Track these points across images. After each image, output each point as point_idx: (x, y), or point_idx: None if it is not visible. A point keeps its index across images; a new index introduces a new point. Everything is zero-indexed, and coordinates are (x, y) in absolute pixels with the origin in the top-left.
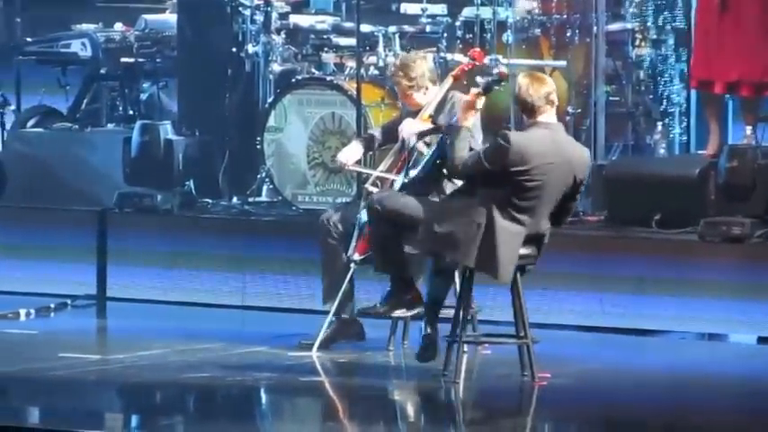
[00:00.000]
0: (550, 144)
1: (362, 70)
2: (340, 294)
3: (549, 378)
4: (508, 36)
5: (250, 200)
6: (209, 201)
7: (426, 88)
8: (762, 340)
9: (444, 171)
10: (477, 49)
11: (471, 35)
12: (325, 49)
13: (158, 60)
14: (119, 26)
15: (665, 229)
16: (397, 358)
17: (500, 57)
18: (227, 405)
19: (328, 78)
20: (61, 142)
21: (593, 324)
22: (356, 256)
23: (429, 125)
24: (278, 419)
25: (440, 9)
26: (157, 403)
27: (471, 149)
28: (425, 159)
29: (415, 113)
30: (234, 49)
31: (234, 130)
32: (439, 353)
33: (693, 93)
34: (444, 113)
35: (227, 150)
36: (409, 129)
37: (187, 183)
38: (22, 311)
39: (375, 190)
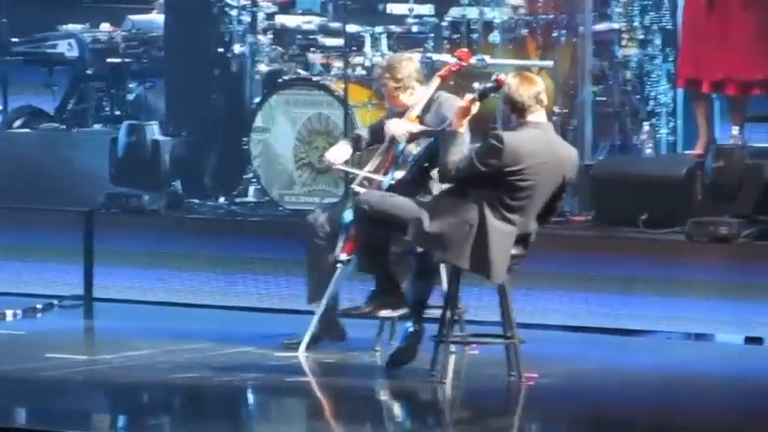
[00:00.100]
0: (542, 144)
1: (349, 70)
2: (327, 294)
3: (537, 378)
4: (495, 36)
5: (237, 200)
6: (196, 201)
7: (413, 89)
8: (749, 340)
9: (432, 174)
10: (464, 50)
11: (458, 35)
12: (312, 49)
13: (145, 61)
14: (105, 26)
15: (653, 229)
16: (383, 358)
17: (487, 57)
18: (215, 405)
19: (315, 79)
20: (48, 143)
21: (580, 324)
22: (343, 256)
23: (416, 125)
24: (265, 420)
25: (426, 9)
26: (145, 403)
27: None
28: (413, 161)
29: (401, 114)
30: (221, 50)
31: (221, 130)
32: (419, 352)
33: (680, 93)
34: (431, 113)
35: (214, 151)
36: (396, 128)
37: (174, 183)
38: (9, 312)
39: (362, 190)
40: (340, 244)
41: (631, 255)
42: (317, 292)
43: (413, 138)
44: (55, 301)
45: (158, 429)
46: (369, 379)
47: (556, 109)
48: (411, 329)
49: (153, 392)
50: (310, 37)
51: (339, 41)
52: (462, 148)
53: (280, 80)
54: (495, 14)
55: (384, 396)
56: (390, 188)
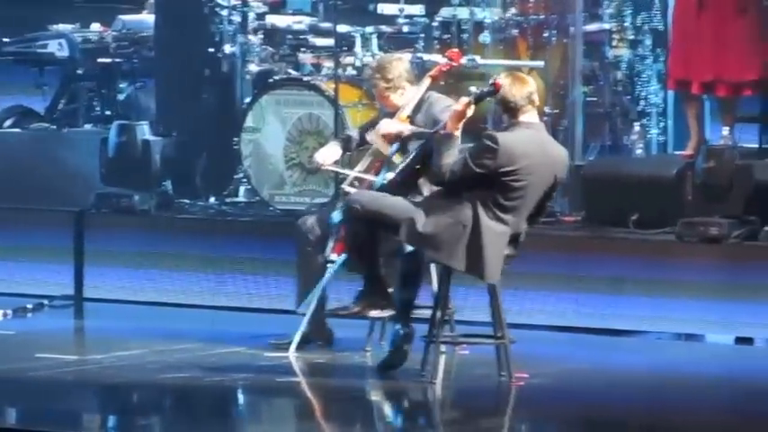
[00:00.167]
0: (535, 144)
1: (340, 71)
2: (316, 296)
3: (527, 378)
4: (485, 36)
5: (227, 200)
6: (187, 201)
7: (404, 89)
8: (739, 341)
9: (421, 177)
10: (455, 50)
11: (449, 35)
12: (303, 49)
13: (135, 61)
14: (96, 26)
15: (643, 229)
16: (374, 359)
17: (477, 57)
18: (205, 406)
19: (305, 79)
20: (38, 143)
21: (571, 324)
22: (333, 257)
23: (407, 125)
24: (255, 420)
25: (417, 9)
26: (135, 404)
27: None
28: (405, 163)
29: (392, 115)
30: (211, 50)
31: (211, 130)
32: (410, 354)
33: (671, 93)
34: (421, 113)
35: (205, 151)
36: (387, 128)
37: (164, 183)
38: None
39: (353, 190)
40: (330, 244)
41: (622, 255)
42: (307, 295)
43: (407, 140)
44: (45, 301)
45: (148, 429)
46: (359, 379)
47: (546, 109)
48: (401, 332)
49: (143, 392)
50: (301, 37)
51: (330, 41)
52: (456, 151)
53: (270, 80)
54: (486, 15)
55: (374, 396)
56: (381, 188)
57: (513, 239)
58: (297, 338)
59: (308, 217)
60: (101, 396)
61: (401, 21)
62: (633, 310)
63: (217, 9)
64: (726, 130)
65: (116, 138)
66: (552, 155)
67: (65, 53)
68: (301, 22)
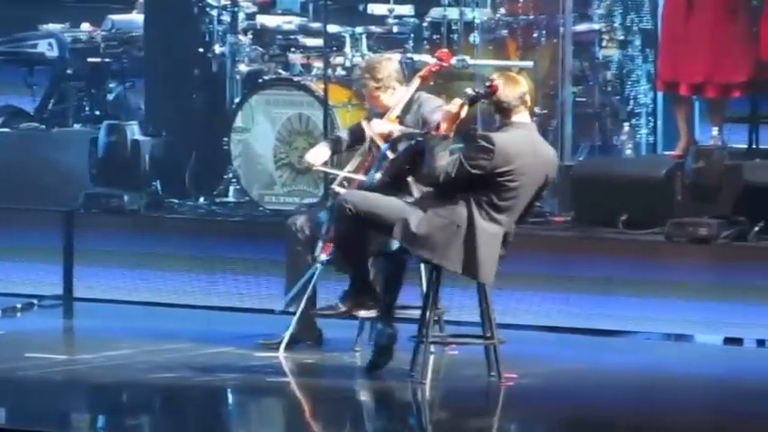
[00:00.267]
0: (528, 144)
1: (329, 71)
2: (305, 296)
3: (516, 378)
4: (475, 37)
5: (217, 200)
6: (176, 201)
7: (393, 89)
8: (728, 341)
9: (409, 176)
10: (445, 50)
11: (438, 36)
12: (292, 49)
13: (125, 60)
14: (86, 26)
15: (632, 229)
16: (363, 359)
17: (467, 57)
18: (195, 405)
19: (295, 79)
20: (28, 142)
21: (560, 324)
22: (323, 257)
23: (397, 125)
24: (245, 420)
25: (407, 10)
26: (124, 403)
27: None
28: (392, 162)
29: (382, 115)
30: (201, 50)
31: (201, 130)
32: (396, 353)
33: (660, 93)
34: (411, 114)
35: (194, 151)
36: (377, 128)
37: (154, 183)
38: None
39: (342, 191)
40: (320, 244)
41: (611, 255)
42: (295, 295)
43: (397, 140)
44: (35, 301)
45: (137, 429)
46: (349, 379)
47: (536, 110)
48: (387, 332)
49: (132, 392)
50: (291, 37)
51: (319, 42)
52: (448, 152)
53: (260, 80)
54: (476, 15)
55: (364, 396)
56: (371, 188)
57: (503, 239)
58: (286, 338)
59: (298, 216)
60: (90, 396)
61: (391, 21)
62: (622, 311)
63: (206, 9)
64: (715, 131)
65: (105, 138)
66: (543, 155)
67: (54, 53)
68: (291, 23)
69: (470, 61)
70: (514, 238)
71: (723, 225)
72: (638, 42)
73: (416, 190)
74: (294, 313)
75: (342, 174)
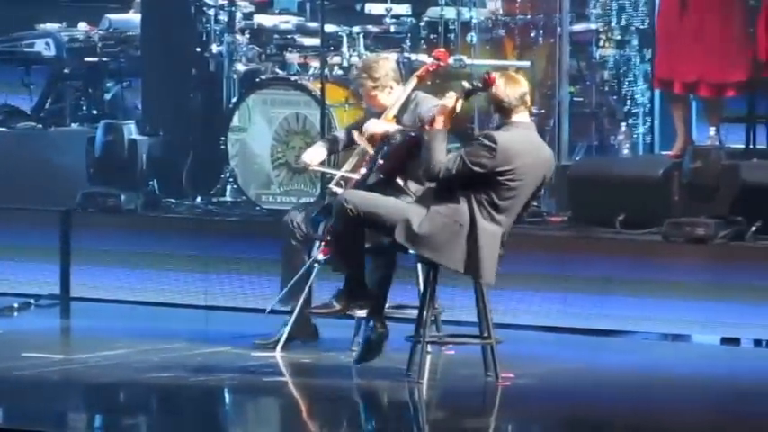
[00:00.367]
0: (529, 144)
1: (326, 70)
2: (303, 294)
3: (513, 378)
4: (472, 36)
5: (214, 200)
6: (173, 201)
7: (391, 88)
8: (725, 341)
9: (403, 173)
10: (442, 50)
11: (435, 35)
12: (290, 49)
13: (122, 60)
14: (83, 26)
15: (629, 229)
16: None
17: (464, 57)
18: (191, 405)
19: (292, 78)
20: (25, 142)
21: (557, 324)
22: (320, 257)
23: (394, 125)
24: (241, 420)
25: (404, 9)
26: (121, 403)
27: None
28: (383, 159)
29: (379, 115)
30: (198, 49)
31: (198, 129)
32: (386, 350)
33: (657, 93)
34: (408, 113)
35: (192, 150)
36: (374, 128)
37: (151, 183)
38: None
39: (339, 190)
40: (317, 245)
41: (608, 255)
42: (291, 293)
43: (392, 138)
44: (32, 301)
45: (134, 429)
46: (345, 379)
47: (533, 109)
48: (379, 331)
49: (129, 392)
50: (288, 37)
51: (316, 41)
52: (444, 146)
53: (257, 80)
54: (473, 15)
55: (360, 396)
56: (368, 187)
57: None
58: (283, 338)
59: (296, 215)
60: (87, 395)
61: (388, 21)
62: (620, 311)
63: (204, 8)
64: (712, 131)
65: (103, 137)
66: (542, 155)
67: (51, 52)
68: (288, 22)
69: (467, 61)
70: (512, 238)
71: (720, 225)
72: (635, 42)
73: (412, 186)
74: (285, 312)
75: (339, 173)
